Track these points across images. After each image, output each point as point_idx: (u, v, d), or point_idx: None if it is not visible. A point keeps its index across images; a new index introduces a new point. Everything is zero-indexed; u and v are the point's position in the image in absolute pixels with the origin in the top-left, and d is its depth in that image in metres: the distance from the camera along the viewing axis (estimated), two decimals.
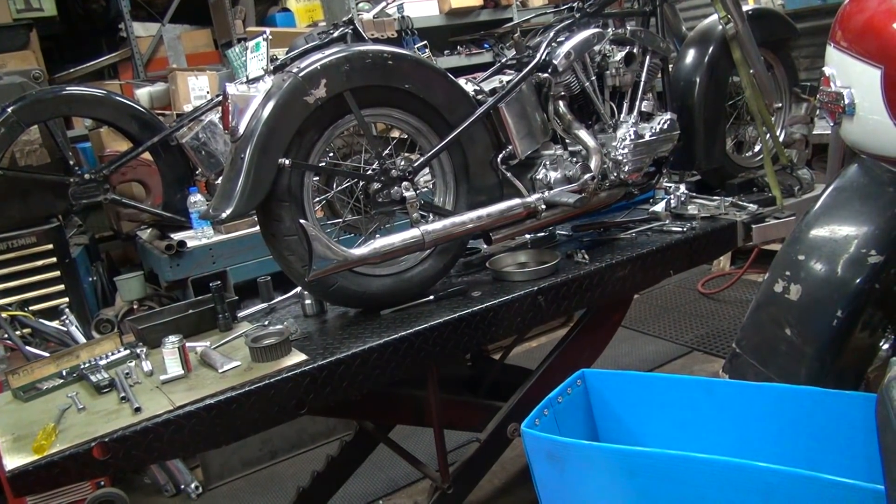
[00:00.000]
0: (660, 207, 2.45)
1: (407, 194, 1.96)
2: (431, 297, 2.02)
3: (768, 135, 2.55)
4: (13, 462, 1.44)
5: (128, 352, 1.92)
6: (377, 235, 2.01)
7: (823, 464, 1.41)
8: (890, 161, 1.76)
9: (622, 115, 2.33)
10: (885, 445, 1.19)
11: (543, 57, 2.16)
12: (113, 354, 1.92)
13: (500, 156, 2.12)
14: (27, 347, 2.50)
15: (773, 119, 2.60)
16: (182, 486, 3.22)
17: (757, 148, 2.76)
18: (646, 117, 2.36)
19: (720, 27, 2.48)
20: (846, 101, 1.76)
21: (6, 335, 2.56)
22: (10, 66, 3.76)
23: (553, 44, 2.20)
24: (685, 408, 1.60)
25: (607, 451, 1.41)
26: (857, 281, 1.64)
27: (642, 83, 2.34)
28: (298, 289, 2.15)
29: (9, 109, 2.93)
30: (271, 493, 3.13)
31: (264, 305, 2.21)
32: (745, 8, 2.51)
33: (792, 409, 1.50)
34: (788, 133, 2.72)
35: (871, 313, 1.66)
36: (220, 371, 1.74)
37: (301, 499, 2.57)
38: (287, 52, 2.72)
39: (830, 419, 1.47)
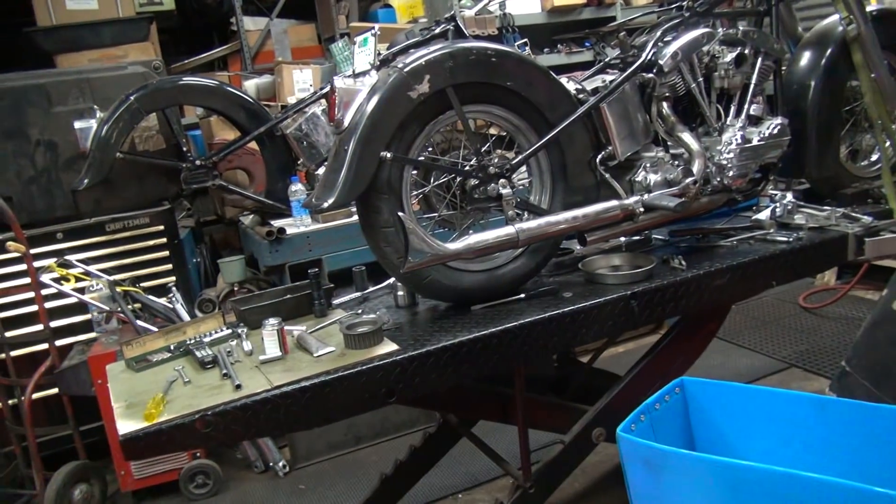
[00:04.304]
0: (764, 215, 2.35)
1: (503, 191, 1.96)
2: (522, 296, 2.02)
3: (888, 143, 2.40)
4: (126, 427, 1.53)
5: (230, 331, 2.02)
6: (471, 231, 2.02)
7: None
8: None
9: (729, 119, 2.25)
10: None
11: (649, 56, 2.11)
12: (216, 333, 2.02)
13: (599, 156, 2.09)
14: (138, 321, 2.67)
15: (894, 127, 2.45)
16: (271, 464, 3.35)
17: (875, 157, 2.61)
18: (754, 121, 2.27)
19: (840, 28, 2.36)
20: None
21: (120, 308, 2.74)
22: (131, 57, 3.99)
23: (660, 43, 2.15)
24: (790, 424, 1.53)
25: (710, 462, 1.36)
26: None
27: (752, 86, 2.25)
28: (392, 280, 2.19)
29: (131, 97, 3.12)
30: (354, 478, 3.21)
31: (358, 294, 2.27)
32: (868, 8, 2.38)
33: None
34: None
35: None
36: (316, 355, 1.80)
37: (383, 485, 2.63)
38: (388, 48, 2.77)
39: None
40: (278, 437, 3.43)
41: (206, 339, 1.98)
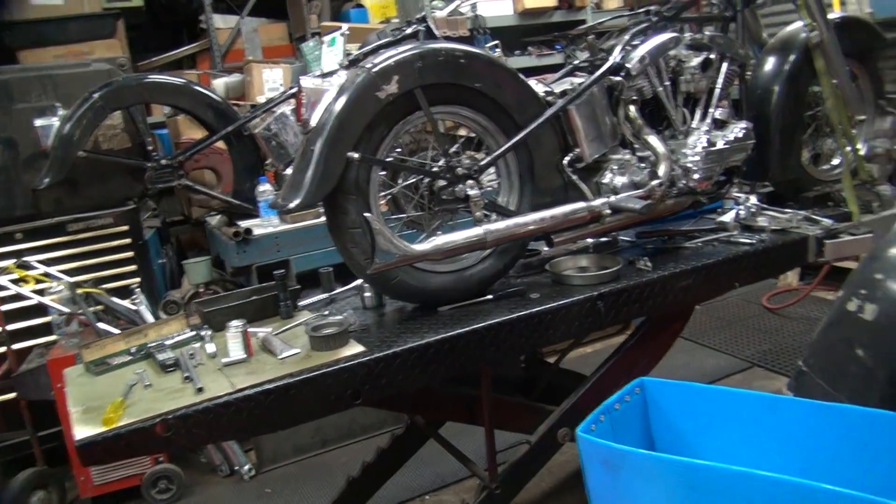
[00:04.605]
0: (728, 218, 2.38)
1: (471, 193, 1.96)
2: (490, 297, 2.02)
3: (848, 147, 2.45)
4: (83, 432, 1.50)
5: (193, 333, 1.99)
6: (439, 232, 2.02)
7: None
8: None
9: (695, 122, 2.28)
10: None
11: (617, 60, 2.13)
12: (179, 335, 1.98)
13: (567, 158, 2.10)
14: (99, 324, 2.61)
15: (854, 132, 2.50)
16: (236, 468, 3.31)
17: (836, 161, 2.66)
18: (719, 125, 2.30)
19: (803, 35, 2.40)
20: None
21: (81, 311, 2.68)
22: (97, 54, 3.92)
23: (627, 47, 2.17)
24: (748, 424, 1.55)
25: (667, 462, 1.37)
26: None
27: (718, 90, 2.28)
28: (359, 281, 2.18)
29: (95, 95, 3.06)
30: (321, 480, 3.18)
31: (325, 296, 2.25)
32: (831, 15, 2.42)
33: (861, 432, 1.43)
34: (871, 147, 2.60)
35: None
36: (280, 357, 1.78)
37: (350, 488, 2.61)
38: (360, 48, 2.76)
39: None
40: (243, 440, 3.38)
41: (169, 342, 1.94)
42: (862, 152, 2.54)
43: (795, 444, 1.51)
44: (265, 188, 3.35)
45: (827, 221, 2.34)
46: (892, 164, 2.64)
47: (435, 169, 1.97)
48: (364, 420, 3.47)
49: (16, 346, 2.99)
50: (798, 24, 2.44)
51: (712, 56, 2.25)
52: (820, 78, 2.40)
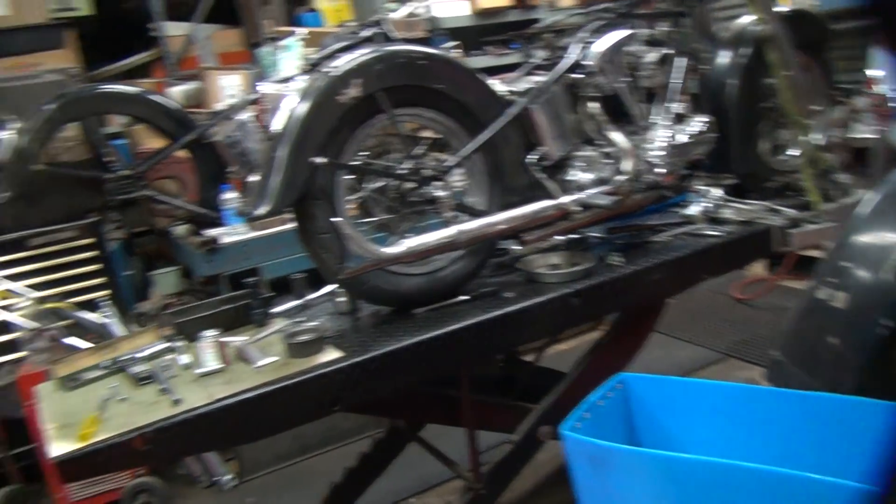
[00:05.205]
0: (693, 211, 2.43)
1: (439, 194, 1.96)
2: (464, 297, 2.03)
3: (805, 137, 2.52)
4: (60, 448, 1.47)
5: (166, 345, 1.96)
6: (409, 234, 2.02)
7: (872, 475, 1.39)
8: None
9: (656, 117, 2.32)
10: None
11: (575, 57, 2.16)
12: (152, 347, 1.96)
13: (533, 157, 2.12)
14: (69, 339, 2.56)
15: (810, 122, 2.57)
16: (216, 478, 3.27)
17: (794, 151, 2.73)
18: (680, 119, 2.35)
19: (754, 28, 2.46)
20: None
21: (48, 326, 2.62)
22: (47, 65, 3.83)
23: (584, 44, 2.20)
24: (727, 415, 1.58)
25: (651, 457, 1.40)
26: None
27: (675, 85, 2.33)
28: (332, 286, 2.17)
29: (49, 106, 2.98)
30: (303, 488, 3.16)
31: (298, 302, 2.23)
32: (778, 9, 2.48)
33: (840, 420, 1.47)
34: (827, 136, 2.68)
35: None
36: (256, 366, 1.77)
37: (333, 494, 2.60)
38: (317, 52, 2.74)
39: (878, 430, 1.44)
40: (222, 450, 3.34)
41: (142, 354, 1.91)
42: (819, 142, 2.61)
43: (776, 434, 1.55)
44: (230, 196, 3.31)
45: (790, 211, 2.39)
46: (849, 152, 2.72)
47: (401, 171, 1.97)
48: (344, 425, 3.45)
49: None
50: (748, 18, 2.50)
51: (667, 51, 2.29)
52: (774, 70, 2.46)
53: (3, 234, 3.18)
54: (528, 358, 2.79)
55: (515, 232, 2.09)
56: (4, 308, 2.78)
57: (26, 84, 3.32)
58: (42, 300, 2.71)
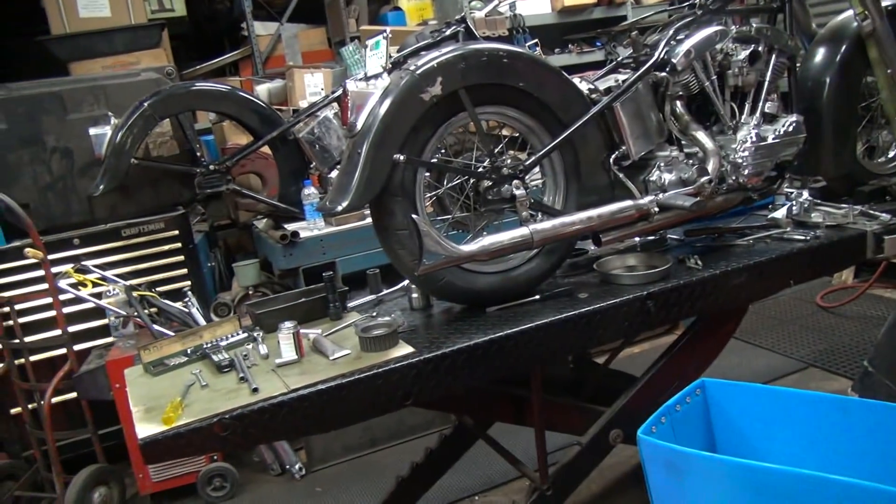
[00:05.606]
0: (780, 214, 2.33)
1: (517, 192, 1.95)
2: (538, 297, 2.01)
3: None
4: (145, 431, 1.54)
5: (246, 335, 2.02)
6: (485, 233, 2.02)
7: None
8: None
9: (743, 117, 2.23)
10: None
11: (662, 55, 2.10)
12: (232, 336, 2.02)
13: (613, 156, 2.08)
14: (154, 326, 2.68)
15: None
16: (287, 467, 3.36)
17: (892, 154, 2.58)
18: (769, 119, 2.26)
19: (855, 24, 2.34)
20: None
21: (136, 313, 2.76)
22: (143, 63, 4.02)
23: (672, 42, 2.14)
24: (814, 426, 1.51)
25: (733, 464, 1.34)
26: None
27: (766, 83, 2.24)
28: (406, 282, 2.19)
29: (145, 104, 3.14)
30: (370, 480, 3.21)
31: (373, 297, 2.27)
32: (884, 3, 2.35)
33: None
34: None
35: None
36: (332, 358, 1.80)
37: (399, 488, 2.63)
38: (398, 51, 2.77)
39: None
40: (295, 439, 3.43)
41: (223, 343, 1.98)
42: None
43: (863, 448, 1.46)
44: (310, 191, 3.40)
45: (885, 216, 2.27)
46: None
47: (480, 169, 1.97)
48: (412, 420, 3.49)
49: (76, 348, 3.08)
50: (848, 13, 2.38)
51: (760, 48, 2.20)
52: (874, 68, 2.34)
53: (98, 225, 3.37)
54: (600, 360, 2.74)
55: (592, 232, 2.06)
56: (97, 295, 2.93)
57: (125, 82, 3.50)
58: (131, 288, 2.84)
